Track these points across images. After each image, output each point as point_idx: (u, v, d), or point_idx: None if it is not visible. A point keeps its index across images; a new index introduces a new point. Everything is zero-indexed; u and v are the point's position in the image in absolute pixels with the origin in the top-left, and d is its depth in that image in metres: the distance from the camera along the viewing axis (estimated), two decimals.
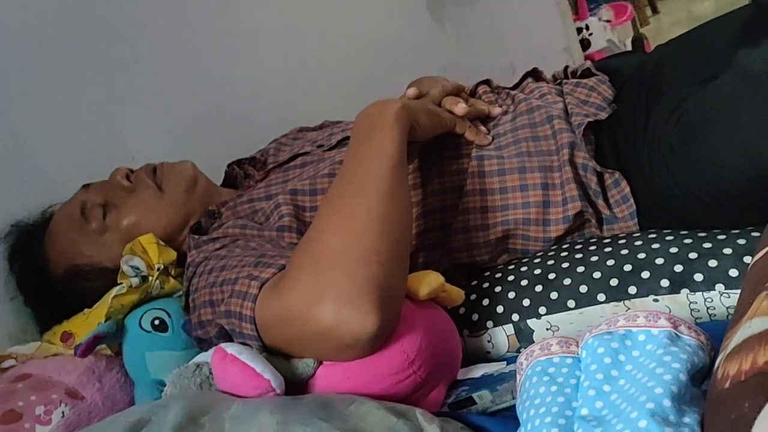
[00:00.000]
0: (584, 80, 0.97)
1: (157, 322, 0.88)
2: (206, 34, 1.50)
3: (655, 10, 4.37)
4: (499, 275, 0.87)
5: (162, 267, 0.93)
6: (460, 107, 0.91)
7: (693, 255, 0.74)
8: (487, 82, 1.05)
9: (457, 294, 0.79)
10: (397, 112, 0.80)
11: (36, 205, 1.06)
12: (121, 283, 0.90)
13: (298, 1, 1.79)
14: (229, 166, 1.13)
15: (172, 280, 0.95)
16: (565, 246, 0.86)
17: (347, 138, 1.01)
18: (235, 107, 1.51)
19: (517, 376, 0.61)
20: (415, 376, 0.69)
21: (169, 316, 0.90)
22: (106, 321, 0.88)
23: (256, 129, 1.35)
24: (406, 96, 0.94)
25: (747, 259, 0.71)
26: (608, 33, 2.69)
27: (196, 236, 0.92)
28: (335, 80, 1.82)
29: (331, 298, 0.63)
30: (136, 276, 0.90)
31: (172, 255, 0.95)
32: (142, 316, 0.89)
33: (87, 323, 0.92)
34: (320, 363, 0.70)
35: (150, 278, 0.91)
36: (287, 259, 0.73)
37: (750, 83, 0.71)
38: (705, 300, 0.72)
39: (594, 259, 0.80)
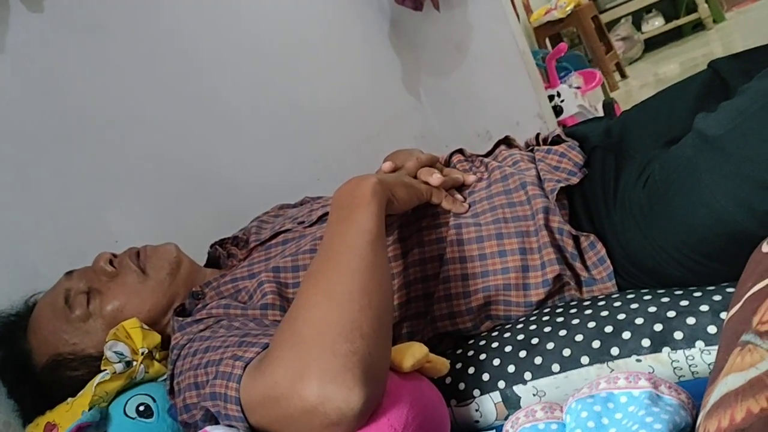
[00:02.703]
0: (555, 147, 1.00)
1: (142, 408, 0.87)
2: (188, 116, 1.54)
3: (623, 75, 4.53)
4: (482, 342, 0.87)
5: (146, 351, 0.92)
6: (436, 178, 0.93)
7: (671, 313, 0.75)
8: (461, 151, 1.08)
9: (442, 364, 0.79)
10: (373, 187, 0.82)
11: (19, 294, 1.06)
12: (105, 370, 0.89)
13: (276, 78, 1.85)
14: (212, 246, 1.14)
15: (156, 364, 0.94)
16: (546, 310, 0.87)
17: (327, 214, 1.03)
18: (217, 187, 1.54)
19: None
20: None
21: (154, 401, 0.88)
22: (90, 409, 0.86)
23: (238, 207, 1.37)
24: (381, 170, 0.96)
25: (723, 315, 0.72)
26: (579, 99, 2.77)
27: (180, 318, 0.92)
28: (315, 154, 1.86)
29: (314, 374, 0.63)
30: (120, 362, 0.89)
31: (157, 338, 0.95)
32: (126, 403, 0.88)
33: (71, 413, 0.90)
34: None
35: (134, 363, 0.91)
36: (271, 338, 0.73)
37: (709, 145, 0.74)
38: (687, 358, 0.72)
39: (575, 322, 0.81)
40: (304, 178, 1.74)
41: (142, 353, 0.91)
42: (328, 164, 1.85)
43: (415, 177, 0.95)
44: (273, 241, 1.02)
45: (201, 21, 1.67)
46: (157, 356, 0.95)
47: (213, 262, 1.11)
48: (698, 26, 4.89)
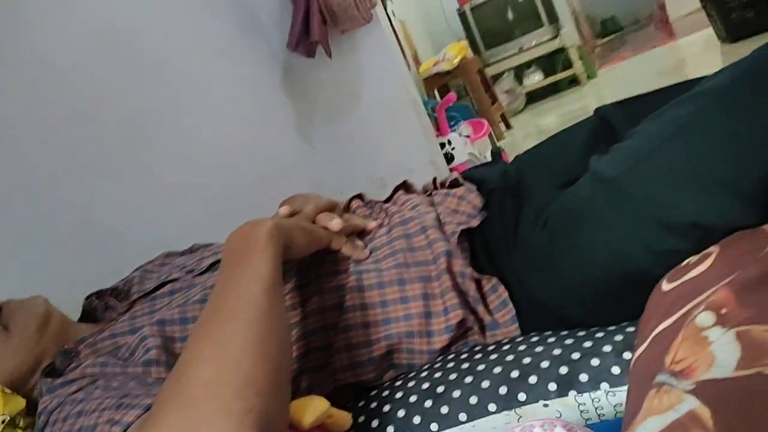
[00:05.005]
0: (453, 190, 0.99)
1: None
2: (62, 155, 1.43)
3: (508, 126, 4.74)
4: (386, 393, 0.83)
5: (8, 418, 0.81)
6: (335, 223, 0.89)
7: (576, 355, 0.74)
8: (359, 196, 1.05)
9: (344, 418, 0.74)
10: (269, 231, 0.77)
11: None
12: None
13: (160, 121, 1.77)
14: (87, 298, 1.03)
15: None
16: (450, 357, 0.85)
17: (219, 261, 0.96)
18: (94, 235, 1.43)
19: None
20: None
21: None
22: None
23: (118, 257, 1.27)
24: (278, 215, 0.91)
25: (626, 355, 0.72)
26: (469, 147, 2.85)
27: (50, 379, 0.82)
28: (205, 201, 1.78)
29: None
30: None
31: (21, 403, 0.84)
32: None
33: None
34: None
35: None
36: (154, 398, 0.65)
37: (606, 185, 0.75)
38: (593, 400, 0.71)
39: (481, 368, 0.79)
40: (190, 225, 1.66)
41: (3, 421, 0.80)
42: (217, 212, 1.77)
43: (314, 222, 0.91)
44: (158, 292, 0.94)
45: (88, 57, 1.58)
46: (21, 423, 0.84)
47: (89, 315, 1.01)
48: (574, 82, 5.22)
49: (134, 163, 1.62)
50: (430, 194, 1.02)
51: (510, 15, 5.18)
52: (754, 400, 0.41)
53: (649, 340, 0.59)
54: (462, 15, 5.27)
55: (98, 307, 0.99)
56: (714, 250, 0.64)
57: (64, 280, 1.22)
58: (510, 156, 2.95)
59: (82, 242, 1.38)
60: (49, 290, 0.98)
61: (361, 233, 0.95)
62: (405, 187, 1.07)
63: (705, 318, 0.51)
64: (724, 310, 0.50)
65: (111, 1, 1.74)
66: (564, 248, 0.80)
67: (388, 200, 1.05)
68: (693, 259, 0.65)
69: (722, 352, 0.46)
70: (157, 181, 1.66)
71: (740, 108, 0.69)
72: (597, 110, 1.05)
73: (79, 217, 1.41)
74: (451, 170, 2.70)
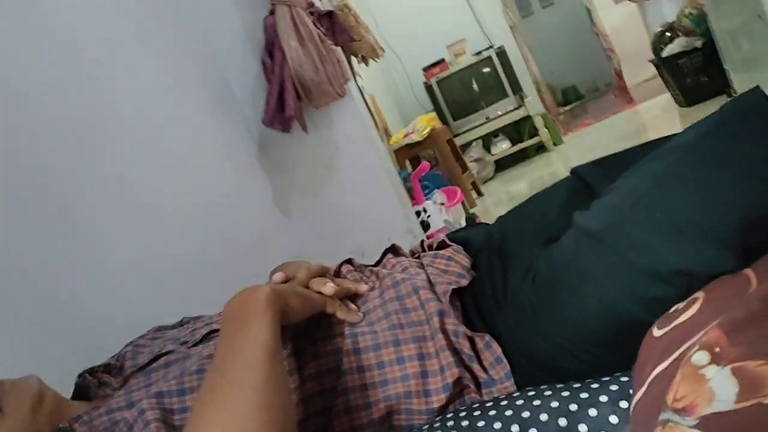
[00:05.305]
0: (441, 251, 1.02)
1: None
2: (47, 238, 1.43)
3: (479, 193, 4.83)
4: None
5: None
6: (329, 287, 0.91)
7: (573, 407, 0.76)
8: (349, 261, 1.08)
9: None
10: (267, 297, 0.79)
11: None
12: None
13: (143, 200, 1.78)
14: (80, 376, 1.02)
15: None
16: (449, 415, 0.85)
17: (213, 332, 0.97)
18: (82, 313, 1.41)
19: None
20: None
21: None
22: None
23: (105, 334, 1.26)
24: (273, 281, 0.93)
25: (622, 404, 0.73)
26: (444, 214, 2.90)
27: None
28: (183, 275, 1.78)
29: None
30: None
31: None
32: None
33: None
34: None
35: None
36: None
37: (591, 239, 0.79)
38: None
39: (481, 424, 0.79)
40: (171, 299, 1.65)
41: None
42: (196, 285, 1.77)
43: (307, 287, 0.93)
44: (153, 365, 0.93)
45: (62, 148, 1.60)
46: None
47: (82, 393, 1.00)
48: (541, 148, 5.37)
49: (112, 240, 1.62)
50: (418, 256, 1.05)
51: (475, 86, 5.37)
52: (756, 430, 0.43)
53: (646, 384, 0.61)
54: (429, 88, 5.45)
55: (92, 385, 0.98)
56: (700, 295, 0.67)
57: (55, 360, 1.21)
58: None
59: (68, 323, 1.37)
60: (41, 370, 0.97)
61: (354, 297, 0.97)
62: (393, 250, 1.10)
63: (700, 357, 0.53)
64: (717, 349, 0.53)
65: (88, 80, 1.77)
66: (554, 302, 0.83)
67: (377, 264, 1.07)
68: (680, 305, 0.68)
69: (720, 388, 0.48)
70: (135, 257, 1.66)
71: (709, 159, 0.73)
72: (573, 170, 1.10)
73: (60, 297, 1.40)
74: (428, 237, 2.74)
